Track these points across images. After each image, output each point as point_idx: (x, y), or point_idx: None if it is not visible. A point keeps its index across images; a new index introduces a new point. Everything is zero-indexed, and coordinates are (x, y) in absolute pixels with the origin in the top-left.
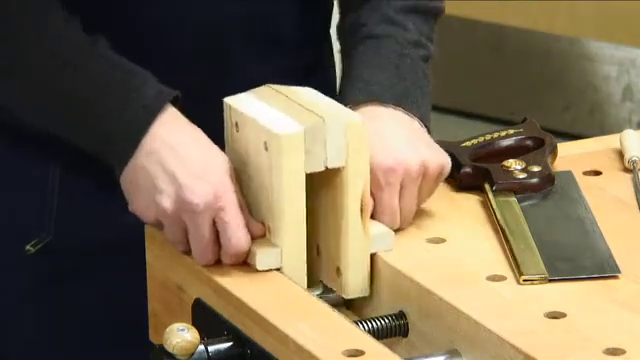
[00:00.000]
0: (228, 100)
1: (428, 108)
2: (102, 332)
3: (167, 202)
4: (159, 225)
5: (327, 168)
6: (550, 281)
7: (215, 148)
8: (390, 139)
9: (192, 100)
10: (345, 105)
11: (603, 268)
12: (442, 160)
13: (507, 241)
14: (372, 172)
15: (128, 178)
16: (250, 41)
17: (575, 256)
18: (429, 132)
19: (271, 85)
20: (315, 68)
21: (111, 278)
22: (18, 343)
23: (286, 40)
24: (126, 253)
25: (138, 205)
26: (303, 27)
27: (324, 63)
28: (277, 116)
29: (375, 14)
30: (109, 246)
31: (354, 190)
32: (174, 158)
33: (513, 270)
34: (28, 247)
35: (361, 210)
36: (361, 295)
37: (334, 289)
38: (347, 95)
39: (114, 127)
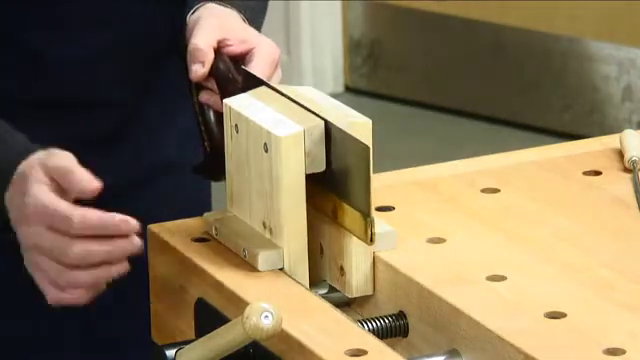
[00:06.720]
0: (227, 101)
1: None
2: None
3: None
4: None
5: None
6: None
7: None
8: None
9: None
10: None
11: None
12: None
13: None
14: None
15: None
16: None
17: None
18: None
19: (271, 85)
20: None
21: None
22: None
23: None
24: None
25: None
26: None
27: None
28: (277, 117)
29: None
30: None
31: None
32: None
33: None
34: None
35: None
36: (365, 294)
37: (338, 288)
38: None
39: None
